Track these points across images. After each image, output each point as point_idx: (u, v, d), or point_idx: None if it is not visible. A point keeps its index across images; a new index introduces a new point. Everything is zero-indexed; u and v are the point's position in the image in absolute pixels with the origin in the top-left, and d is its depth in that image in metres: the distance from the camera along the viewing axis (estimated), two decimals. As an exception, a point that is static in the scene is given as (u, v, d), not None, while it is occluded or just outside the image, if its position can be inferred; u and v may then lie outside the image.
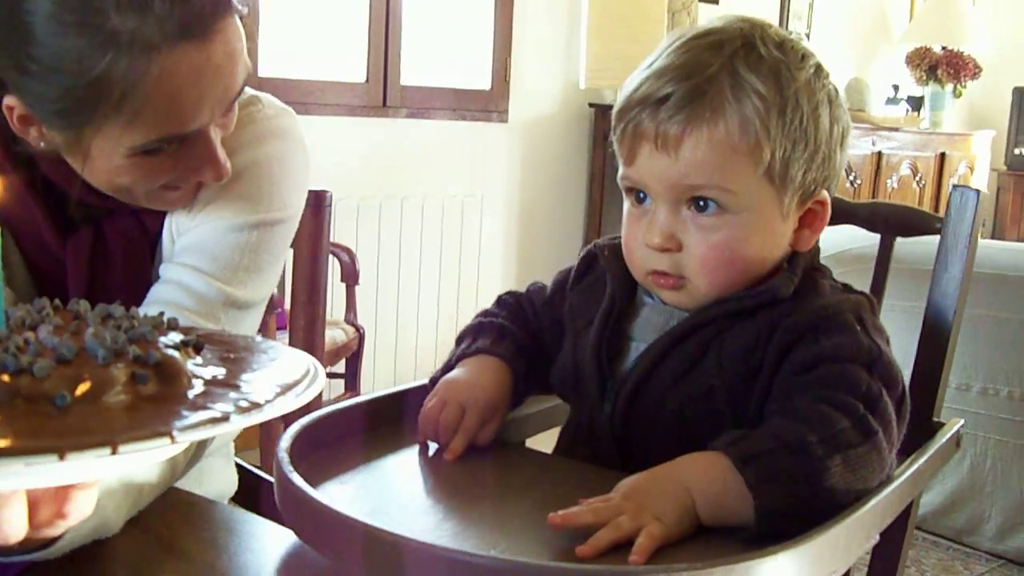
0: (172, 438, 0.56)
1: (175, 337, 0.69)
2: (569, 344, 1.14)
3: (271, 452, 1.83)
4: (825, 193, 1.07)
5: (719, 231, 1.02)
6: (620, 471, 1.00)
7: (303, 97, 3.54)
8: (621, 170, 1.08)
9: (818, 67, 1.05)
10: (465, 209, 4.13)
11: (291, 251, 1.44)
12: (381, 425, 1.10)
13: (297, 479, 0.88)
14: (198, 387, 0.64)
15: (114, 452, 0.54)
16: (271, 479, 1.55)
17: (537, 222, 4.50)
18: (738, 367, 1.01)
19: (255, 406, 0.61)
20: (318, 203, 1.57)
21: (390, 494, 0.99)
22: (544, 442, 1.20)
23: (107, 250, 1.23)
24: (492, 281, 4.29)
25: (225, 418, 0.59)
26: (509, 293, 1.23)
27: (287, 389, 0.65)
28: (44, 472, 0.59)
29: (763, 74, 1.01)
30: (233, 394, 0.63)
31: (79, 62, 1.01)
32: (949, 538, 2.98)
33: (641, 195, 1.06)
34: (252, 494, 1.49)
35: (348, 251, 3.39)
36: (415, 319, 4.02)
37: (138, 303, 1.21)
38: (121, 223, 1.24)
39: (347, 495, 0.96)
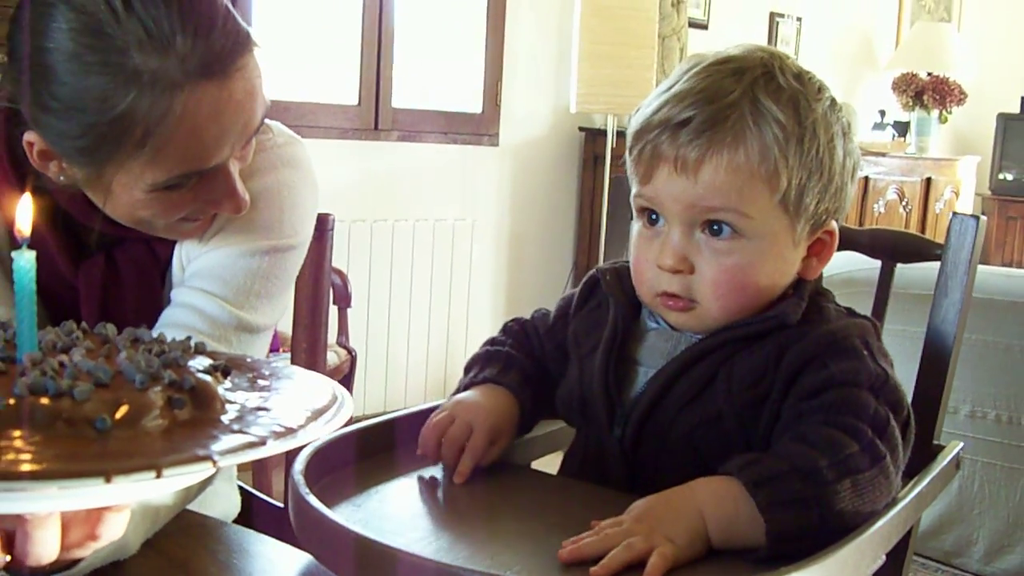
0: (214, 462, 0.57)
1: (204, 362, 0.71)
2: (575, 370, 1.14)
3: (263, 474, 1.84)
4: (834, 224, 1.09)
5: (732, 255, 1.04)
6: (630, 494, 1.02)
7: (296, 120, 3.55)
8: (635, 189, 1.08)
9: (833, 100, 1.06)
10: (456, 232, 4.14)
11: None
12: (391, 447, 1.11)
13: (314, 501, 0.89)
14: (231, 412, 0.65)
15: (159, 476, 0.55)
16: (267, 499, 1.57)
17: (527, 245, 4.52)
18: (747, 392, 1.02)
19: (289, 431, 0.62)
20: (320, 227, 1.59)
21: (403, 515, 1.00)
22: (545, 465, 1.21)
23: (119, 277, 1.25)
24: (483, 304, 4.30)
25: (262, 442, 0.60)
26: (515, 320, 1.24)
27: (318, 414, 0.66)
28: (86, 494, 0.60)
29: (783, 103, 1.02)
30: (266, 419, 0.64)
31: (102, 100, 1.03)
32: (938, 560, 2.99)
33: (654, 216, 1.07)
34: (245, 514, 1.50)
35: (340, 273, 3.39)
36: (406, 341, 4.02)
37: (150, 328, 1.22)
38: (132, 250, 1.25)
39: (360, 516, 0.96)
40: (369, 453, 1.09)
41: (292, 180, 1.29)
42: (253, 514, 1.52)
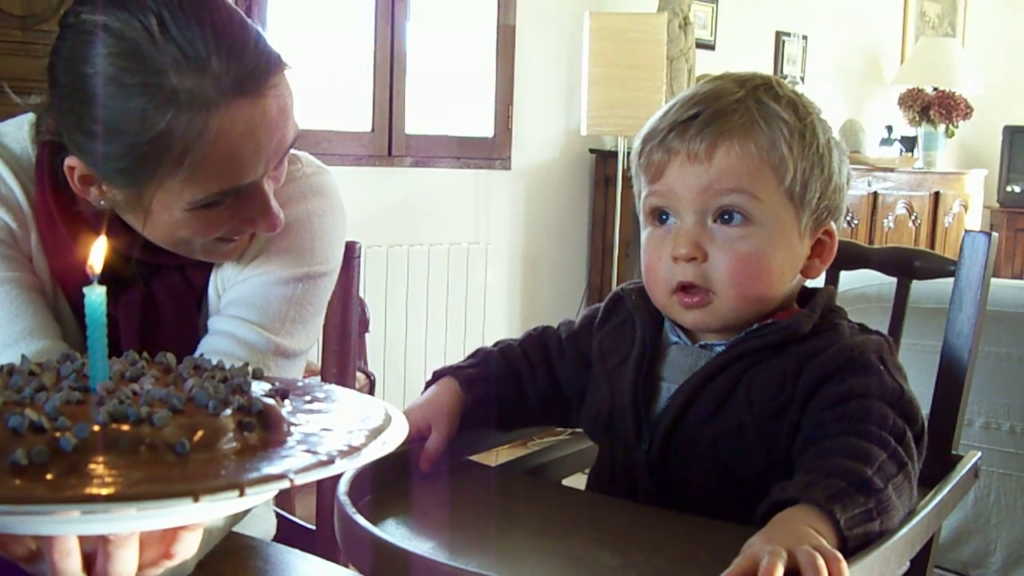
0: (291, 481, 0.61)
1: (264, 386, 0.75)
2: (603, 386, 1.19)
3: (287, 499, 1.87)
4: (833, 225, 1.15)
5: (745, 242, 1.08)
6: (658, 506, 1.06)
7: (311, 147, 3.55)
8: (645, 191, 1.13)
9: (821, 116, 1.14)
10: (470, 255, 4.18)
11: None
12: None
13: (361, 520, 0.93)
14: (296, 433, 0.69)
15: (242, 494, 0.59)
16: (298, 521, 1.61)
17: (541, 267, 4.55)
18: (767, 404, 1.07)
19: (354, 449, 0.66)
20: (348, 255, 1.62)
21: (442, 533, 1.03)
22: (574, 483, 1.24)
23: (156, 306, 1.28)
24: (498, 326, 4.33)
25: (331, 461, 0.64)
26: (539, 327, 1.30)
27: (376, 433, 0.70)
28: (173, 513, 0.64)
29: (783, 105, 1.10)
30: (329, 439, 0.68)
31: (141, 121, 1.07)
32: (956, 571, 3.00)
33: (664, 216, 1.12)
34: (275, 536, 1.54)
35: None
36: (423, 364, 4.05)
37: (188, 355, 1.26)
38: (168, 280, 1.29)
39: (403, 534, 1.00)
40: (406, 474, 1.13)
41: (321, 208, 1.33)
42: (282, 536, 1.56)
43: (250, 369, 0.78)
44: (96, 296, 0.71)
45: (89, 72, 1.08)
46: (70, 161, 1.15)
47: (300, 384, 0.84)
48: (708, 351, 1.13)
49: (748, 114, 1.08)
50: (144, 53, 1.06)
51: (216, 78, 1.08)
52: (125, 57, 1.06)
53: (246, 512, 1.16)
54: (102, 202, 1.17)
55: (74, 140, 1.13)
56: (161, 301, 1.28)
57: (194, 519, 0.72)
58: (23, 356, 0.79)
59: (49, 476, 0.62)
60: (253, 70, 1.11)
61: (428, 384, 1.21)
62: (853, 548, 0.87)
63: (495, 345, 1.27)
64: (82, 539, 0.74)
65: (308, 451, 0.65)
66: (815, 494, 0.89)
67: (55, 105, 1.15)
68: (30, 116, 1.27)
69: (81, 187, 1.17)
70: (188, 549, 0.79)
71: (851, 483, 0.90)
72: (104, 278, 1.29)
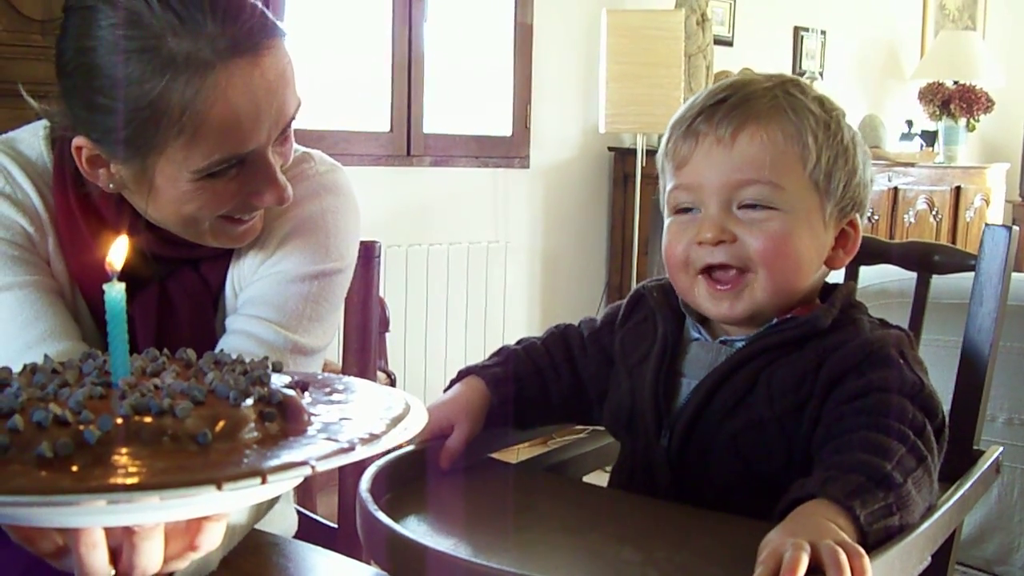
0: (313, 468, 0.61)
1: (284, 378, 0.75)
2: (625, 383, 1.19)
3: (308, 496, 1.89)
4: (857, 217, 1.15)
5: (771, 224, 1.09)
6: (678, 501, 1.06)
7: (330, 148, 3.58)
8: (670, 184, 1.14)
9: (847, 118, 1.16)
10: (490, 254, 4.19)
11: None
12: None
13: (382, 516, 0.93)
14: (316, 423, 0.70)
15: (264, 481, 0.60)
16: (319, 519, 1.61)
17: (560, 265, 4.56)
18: (787, 398, 1.07)
19: (374, 437, 0.67)
20: (368, 254, 1.63)
21: (465, 530, 1.03)
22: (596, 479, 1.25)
23: (172, 305, 1.29)
24: (518, 325, 4.33)
25: (351, 448, 0.65)
26: (560, 324, 1.30)
27: (396, 421, 0.71)
28: (197, 502, 0.65)
29: (810, 99, 1.12)
30: (349, 427, 0.69)
31: (140, 85, 1.10)
32: (980, 568, 2.99)
33: (688, 209, 1.12)
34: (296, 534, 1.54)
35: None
36: (443, 364, 4.06)
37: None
38: (184, 278, 1.30)
39: (424, 531, 1.00)
40: (427, 472, 1.13)
41: (335, 206, 1.34)
42: (303, 534, 1.56)
43: (270, 362, 0.79)
44: (116, 293, 0.72)
45: (91, 45, 1.11)
46: (77, 141, 1.17)
47: (320, 377, 0.84)
48: (729, 347, 1.14)
49: (776, 101, 1.10)
50: (142, 20, 1.09)
51: (212, 39, 1.11)
52: (124, 25, 1.09)
53: (268, 508, 1.17)
54: (111, 184, 1.20)
55: (80, 117, 1.16)
56: (177, 300, 1.29)
57: (217, 508, 0.72)
58: (45, 356, 0.80)
59: (74, 468, 0.63)
60: (249, 31, 1.13)
61: (452, 383, 1.21)
62: (873, 543, 0.87)
63: (518, 343, 1.28)
64: (108, 533, 0.74)
65: (329, 439, 0.66)
66: (834, 490, 0.88)
67: (62, 86, 1.17)
68: (45, 122, 1.28)
69: (90, 169, 1.19)
70: (212, 540, 0.79)
71: (870, 478, 0.90)
72: (121, 277, 1.31)
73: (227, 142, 1.14)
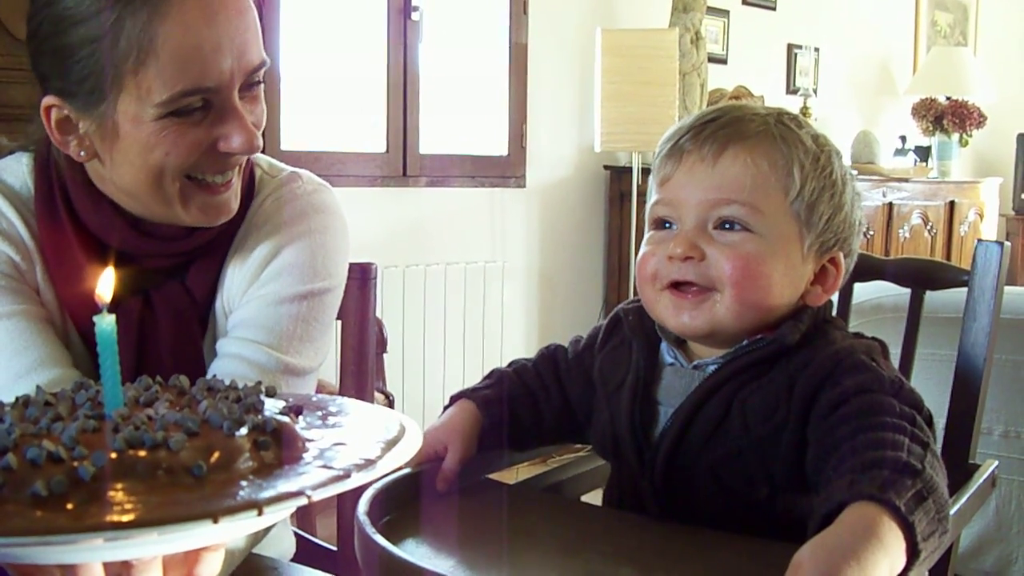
0: (308, 497, 0.62)
1: (278, 403, 0.75)
2: (605, 410, 1.19)
3: (307, 519, 1.88)
4: (841, 257, 1.13)
5: (744, 245, 1.07)
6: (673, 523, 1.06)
7: (325, 169, 3.61)
8: (652, 198, 1.14)
9: (841, 156, 1.14)
10: (487, 274, 4.19)
11: (339, 322, 1.50)
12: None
13: (380, 539, 0.93)
14: (312, 449, 0.70)
15: (260, 513, 0.60)
16: (318, 542, 1.61)
17: (557, 284, 4.56)
18: (763, 425, 1.05)
19: (369, 463, 0.67)
20: (364, 276, 1.63)
21: (463, 551, 1.03)
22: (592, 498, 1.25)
23: (155, 319, 1.27)
24: (516, 344, 4.33)
25: (347, 475, 0.65)
26: (550, 345, 1.30)
27: (391, 444, 0.71)
28: (193, 535, 0.65)
29: (803, 132, 1.11)
30: (344, 453, 0.69)
31: (96, 17, 1.11)
32: (980, 582, 2.99)
33: (667, 224, 1.12)
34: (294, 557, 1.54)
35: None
36: (441, 384, 4.06)
37: (187, 372, 1.26)
38: (169, 291, 1.28)
39: (423, 553, 1.01)
40: (424, 494, 1.13)
41: (323, 225, 1.34)
42: (304, 556, 1.56)
43: (263, 387, 0.79)
44: (107, 324, 0.72)
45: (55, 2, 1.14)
46: (46, 100, 1.18)
47: (314, 399, 0.84)
48: (702, 371, 1.12)
49: (766, 127, 1.09)
50: None
51: None
52: None
53: (267, 531, 1.17)
54: (82, 152, 1.19)
55: (46, 71, 1.17)
56: (160, 313, 1.27)
57: (215, 540, 0.73)
58: (37, 386, 0.80)
59: (70, 506, 0.63)
60: None
61: (446, 408, 1.22)
62: (921, 535, 0.83)
63: (510, 365, 1.28)
64: (106, 565, 0.75)
65: (324, 466, 0.66)
66: (865, 489, 0.86)
67: (31, 50, 1.19)
68: (30, 152, 1.29)
69: (60, 137, 1.19)
70: (211, 569, 0.80)
71: (893, 469, 0.88)
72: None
73: (188, 71, 1.13)
